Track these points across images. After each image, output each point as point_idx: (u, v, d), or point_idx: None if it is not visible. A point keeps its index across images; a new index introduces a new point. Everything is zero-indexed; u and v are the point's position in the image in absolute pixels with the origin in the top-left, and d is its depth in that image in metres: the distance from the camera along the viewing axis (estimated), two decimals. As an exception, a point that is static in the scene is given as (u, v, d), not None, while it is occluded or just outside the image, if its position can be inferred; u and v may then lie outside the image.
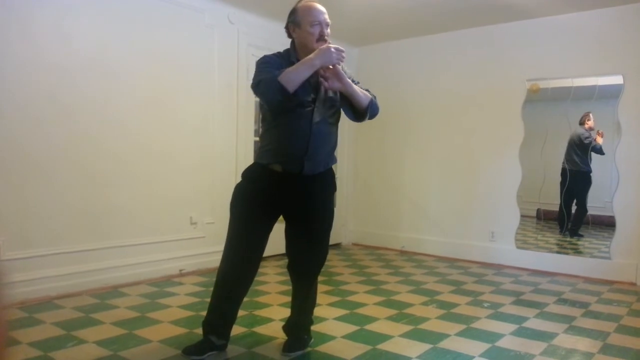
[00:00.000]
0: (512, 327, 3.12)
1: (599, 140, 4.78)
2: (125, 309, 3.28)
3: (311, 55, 2.27)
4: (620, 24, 4.35)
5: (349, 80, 2.40)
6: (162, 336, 2.81)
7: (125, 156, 3.90)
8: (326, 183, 2.56)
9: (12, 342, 2.60)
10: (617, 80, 4.40)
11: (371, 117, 2.53)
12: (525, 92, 4.84)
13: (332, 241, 5.72)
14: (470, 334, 2.98)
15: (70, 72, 3.57)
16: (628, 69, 4.34)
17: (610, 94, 4.48)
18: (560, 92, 4.81)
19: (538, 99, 4.87)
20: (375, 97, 2.53)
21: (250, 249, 2.47)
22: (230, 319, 2.57)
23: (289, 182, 2.43)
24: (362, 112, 2.47)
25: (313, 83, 2.37)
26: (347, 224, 6.01)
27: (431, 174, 5.47)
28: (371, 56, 5.91)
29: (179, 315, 3.19)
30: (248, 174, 2.53)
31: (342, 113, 2.57)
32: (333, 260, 5.03)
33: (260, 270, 4.33)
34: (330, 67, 2.30)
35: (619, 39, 4.36)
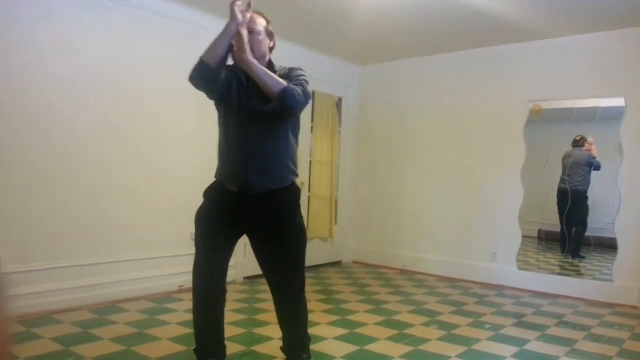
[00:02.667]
0: (514, 349, 3.09)
1: (594, 152, 4.80)
2: (124, 325, 3.27)
3: None
4: (622, 47, 4.39)
5: (252, 59, 2.24)
6: (161, 353, 2.79)
7: (127, 170, 3.92)
8: (286, 200, 2.39)
9: (11, 357, 2.59)
10: (619, 102, 4.42)
11: (285, 109, 2.24)
12: (527, 113, 4.86)
13: (333, 259, 5.82)
14: (472, 356, 2.95)
15: (74, 85, 3.61)
16: (630, 91, 4.36)
17: (613, 116, 4.50)
18: (563, 113, 4.83)
19: (540, 120, 4.88)
20: (302, 92, 2.24)
21: (214, 267, 2.40)
22: (221, 336, 2.49)
23: (247, 201, 2.33)
24: (273, 99, 2.23)
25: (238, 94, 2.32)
26: (347, 241, 6.00)
27: (433, 193, 5.47)
28: (374, 75, 5.96)
29: (178, 332, 3.17)
30: (209, 192, 2.46)
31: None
32: (333, 279, 5.01)
33: (259, 288, 4.37)
34: (242, 37, 2.27)
35: (621, 62, 4.39)
